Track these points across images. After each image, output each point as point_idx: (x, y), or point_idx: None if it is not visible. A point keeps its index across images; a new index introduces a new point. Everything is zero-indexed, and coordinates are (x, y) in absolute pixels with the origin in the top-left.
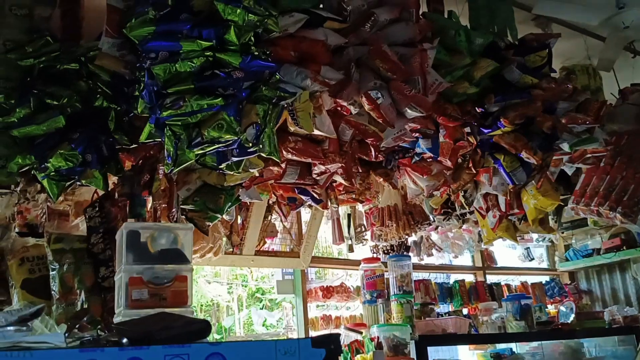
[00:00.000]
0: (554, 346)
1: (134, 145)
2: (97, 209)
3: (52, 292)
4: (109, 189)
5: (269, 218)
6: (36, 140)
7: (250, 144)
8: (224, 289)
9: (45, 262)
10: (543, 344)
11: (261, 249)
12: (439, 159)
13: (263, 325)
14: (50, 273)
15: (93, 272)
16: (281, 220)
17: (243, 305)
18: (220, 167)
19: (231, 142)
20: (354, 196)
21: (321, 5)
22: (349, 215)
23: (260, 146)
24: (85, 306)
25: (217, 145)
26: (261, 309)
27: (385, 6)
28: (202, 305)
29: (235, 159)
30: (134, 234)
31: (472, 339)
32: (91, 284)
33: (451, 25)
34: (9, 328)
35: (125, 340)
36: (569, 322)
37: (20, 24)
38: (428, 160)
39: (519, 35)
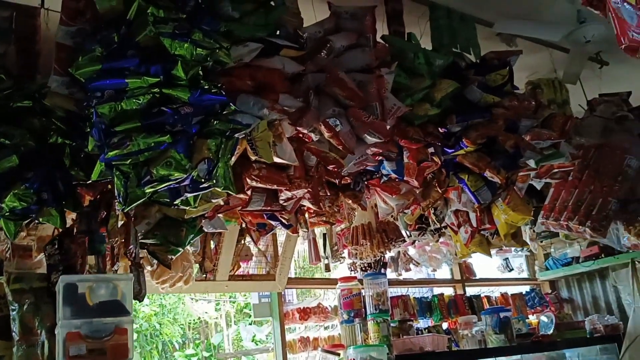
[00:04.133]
0: (535, 358)
1: (90, 181)
2: (56, 246)
3: (13, 333)
4: (68, 226)
5: (243, 241)
6: None
7: (203, 180)
8: (211, 306)
9: (7, 301)
10: (524, 356)
11: (236, 273)
12: (405, 179)
13: (252, 341)
14: (11, 314)
15: (53, 312)
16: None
17: (232, 321)
18: (174, 203)
19: (182, 179)
20: (324, 219)
21: (277, 33)
22: (324, 234)
23: (214, 181)
24: (46, 347)
25: (167, 183)
26: (250, 324)
27: (341, 33)
28: (189, 324)
29: (189, 195)
30: (71, 287)
31: (450, 356)
32: (51, 323)
33: (410, 48)
34: None
35: None
36: (549, 333)
37: None
38: (396, 180)
39: (484, 52)
